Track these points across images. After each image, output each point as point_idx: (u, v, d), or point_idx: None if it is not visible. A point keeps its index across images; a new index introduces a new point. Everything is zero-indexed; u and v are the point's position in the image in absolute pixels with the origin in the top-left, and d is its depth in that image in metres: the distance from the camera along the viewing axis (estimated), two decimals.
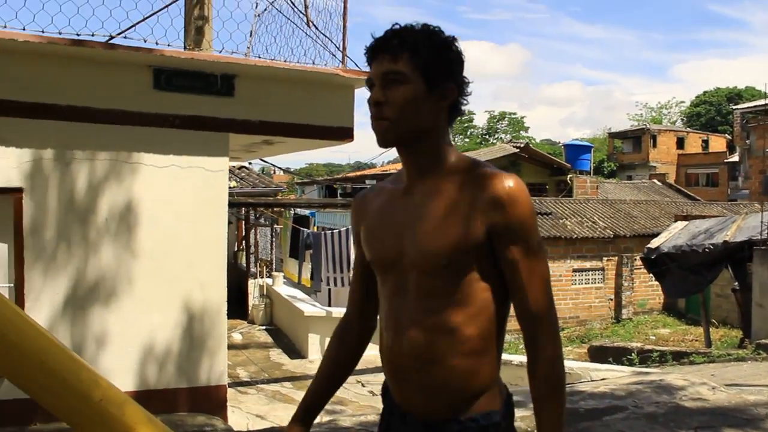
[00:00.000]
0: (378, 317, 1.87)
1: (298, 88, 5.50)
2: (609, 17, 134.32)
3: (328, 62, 5.72)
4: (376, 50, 1.68)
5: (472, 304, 1.65)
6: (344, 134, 5.69)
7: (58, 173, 4.93)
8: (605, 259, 19.83)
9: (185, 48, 5.93)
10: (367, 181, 24.29)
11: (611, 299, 19.96)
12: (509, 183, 1.62)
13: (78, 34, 4.83)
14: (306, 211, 14.16)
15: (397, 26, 1.68)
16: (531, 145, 31.33)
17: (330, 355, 1.96)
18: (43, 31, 4.71)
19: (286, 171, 27.32)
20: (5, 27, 4.62)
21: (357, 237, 1.90)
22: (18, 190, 4.83)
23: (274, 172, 31.07)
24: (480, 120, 61.89)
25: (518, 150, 27.93)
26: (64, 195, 4.96)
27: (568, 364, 8.70)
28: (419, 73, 1.63)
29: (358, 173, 29.25)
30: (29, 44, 4.56)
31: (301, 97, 5.51)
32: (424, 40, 1.64)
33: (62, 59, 4.90)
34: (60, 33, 4.78)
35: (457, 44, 1.69)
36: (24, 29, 4.70)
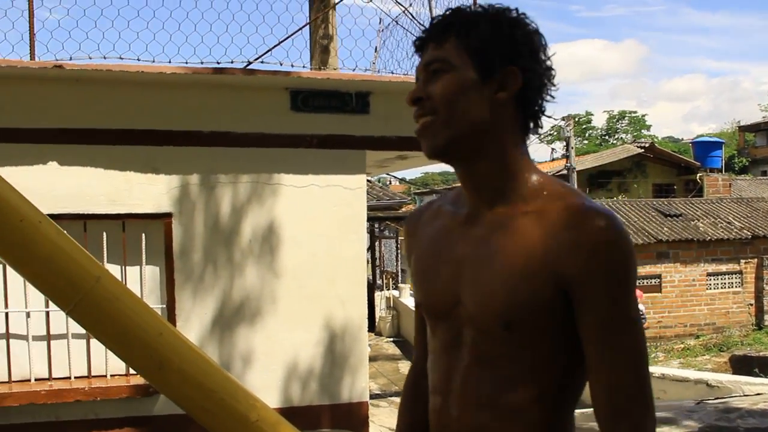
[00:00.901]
0: None
1: None
2: (732, 3, 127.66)
3: None
4: (421, 42, 1.34)
5: (542, 379, 1.27)
6: None
7: (204, 197, 5.10)
8: (743, 261, 18.64)
9: (310, 68, 6.02)
10: None
11: (751, 304, 18.73)
12: (601, 222, 1.19)
13: (218, 62, 5.00)
14: None
15: (449, 11, 1.33)
16: (655, 144, 30.07)
17: (405, 421, 1.57)
18: (186, 62, 4.91)
19: (402, 181, 27.45)
20: (153, 61, 4.83)
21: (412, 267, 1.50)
22: (168, 215, 5.02)
23: (390, 183, 31.32)
24: (598, 120, 60.11)
25: (643, 150, 26.84)
26: (209, 218, 5.11)
27: (715, 376, 8.18)
28: (468, 57, 1.27)
29: None
30: (176, 75, 4.74)
31: None
32: (476, 20, 1.29)
33: (204, 87, 5.06)
34: (202, 63, 4.97)
35: (526, 22, 1.30)
36: (170, 62, 4.92)
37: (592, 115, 53.17)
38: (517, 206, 1.28)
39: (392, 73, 5.42)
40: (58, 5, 4.90)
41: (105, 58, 4.86)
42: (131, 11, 4.79)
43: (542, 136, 19.79)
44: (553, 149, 18.68)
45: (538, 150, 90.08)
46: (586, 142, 51.41)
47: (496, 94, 1.28)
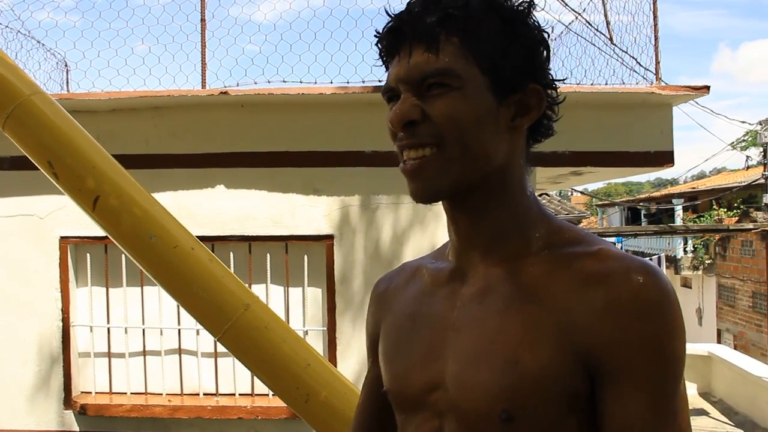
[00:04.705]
0: None
1: (607, 113, 4.97)
2: None
3: (639, 81, 5.12)
4: (398, 36, 0.94)
5: None
6: (663, 159, 5.00)
7: (365, 220, 4.96)
8: None
9: None
10: (674, 201, 22.51)
11: None
12: (638, 278, 0.86)
13: (380, 81, 4.86)
14: (612, 239, 13.31)
15: None
16: None
17: None
18: (347, 82, 4.86)
19: (584, 192, 26.33)
20: (315, 83, 4.81)
21: (373, 346, 1.19)
22: (329, 237, 4.94)
23: (572, 194, 30.18)
24: None
25: None
26: (370, 242, 4.97)
27: None
28: (478, 69, 0.92)
29: (663, 192, 27.16)
30: (336, 96, 4.68)
31: (611, 122, 4.97)
32: (481, 11, 0.92)
33: (365, 107, 4.92)
34: (363, 82, 4.90)
35: (535, 17, 0.96)
36: (331, 82, 4.89)
37: None
38: (523, 256, 0.96)
39: (562, 82, 4.99)
40: (226, 35, 5.01)
41: (269, 82, 4.90)
42: (293, 35, 4.77)
43: (735, 143, 18.13)
44: (747, 157, 17.06)
45: (729, 158, 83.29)
46: None
47: (513, 120, 0.97)
